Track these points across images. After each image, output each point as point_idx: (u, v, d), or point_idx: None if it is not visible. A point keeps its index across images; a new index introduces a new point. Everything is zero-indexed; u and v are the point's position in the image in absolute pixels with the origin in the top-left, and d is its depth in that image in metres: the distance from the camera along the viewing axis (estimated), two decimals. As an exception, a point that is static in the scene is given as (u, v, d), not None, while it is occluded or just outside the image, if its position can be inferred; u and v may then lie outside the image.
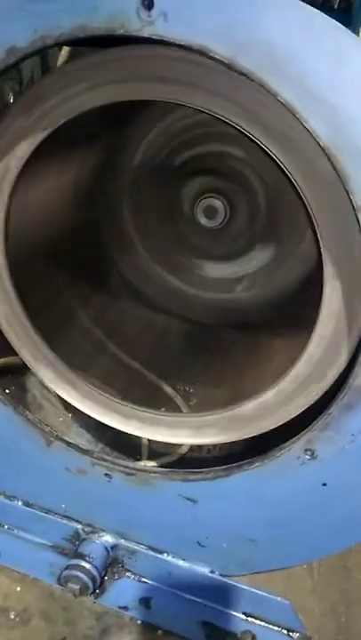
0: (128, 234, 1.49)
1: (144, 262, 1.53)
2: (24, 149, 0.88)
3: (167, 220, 1.44)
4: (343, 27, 0.65)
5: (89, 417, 1.55)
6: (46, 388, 1.65)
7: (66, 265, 1.30)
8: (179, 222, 1.43)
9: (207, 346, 1.50)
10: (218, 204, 1.35)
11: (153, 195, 1.42)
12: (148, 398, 1.27)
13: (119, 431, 1.51)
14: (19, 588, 1.23)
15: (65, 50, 1.31)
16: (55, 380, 1.13)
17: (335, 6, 2.37)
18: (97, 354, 1.36)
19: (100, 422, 1.41)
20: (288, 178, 0.78)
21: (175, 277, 1.54)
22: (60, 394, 1.14)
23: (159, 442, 1.51)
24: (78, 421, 1.58)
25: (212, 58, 0.68)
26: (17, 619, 1.17)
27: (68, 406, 1.60)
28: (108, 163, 1.36)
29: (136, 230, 1.49)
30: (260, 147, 0.78)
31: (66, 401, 1.57)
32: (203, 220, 1.38)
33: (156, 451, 1.52)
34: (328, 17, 0.65)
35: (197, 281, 1.50)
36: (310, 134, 0.69)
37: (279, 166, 0.78)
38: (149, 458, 1.45)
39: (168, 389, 1.46)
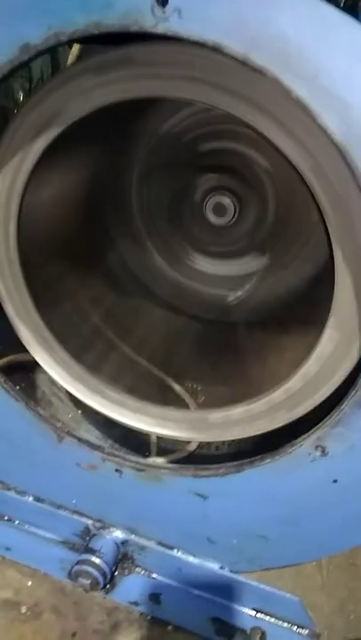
0: (137, 231, 1.50)
1: (153, 260, 1.54)
2: (39, 145, 0.88)
3: (176, 217, 1.44)
4: (357, 22, 0.65)
5: (98, 413, 1.57)
6: (55, 384, 1.67)
7: (75, 262, 1.31)
8: (187, 219, 1.44)
9: (216, 343, 1.50)
10: (227, 201, 1.35)
11: (162, 191, 1.42)
12: (157, 396, 1.28)
13: (128, 428, 1.52)
14: (30, 583, 1.23)
15: (75, 48, 1.31)
16: (65, 377, 1.13)
17: (341, 4, 2.36)
18: (105, 351, 1.36)
19: (109, 419, 1.42)
20: (298, 174, 0.78)
21: (183, 275, 1.54)
22: (69, 390, 1.14)
23: (167, 439, 1.54)
24: (88, 418, 1.59)
25: (226, 54, 0.68)
26: (28, 613, 1.18)
27: (77, 403, 1.62)
28: (118, 160, 1.36)
29: (145, 227, 1.49)
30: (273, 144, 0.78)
31: (75, 398, 1.59)
32: (212, 218, 1.38)
33: (165, 448, 1.53)
34: (341, 12, 0.65)
35: (206, 279, 1.50)
36: (323, 131, 0.69)
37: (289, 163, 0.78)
38: (158, 455, 1.45)
39: (176, 387, 1.46)
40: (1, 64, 0.77)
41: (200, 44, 0.69)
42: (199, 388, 1.49)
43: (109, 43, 0.81)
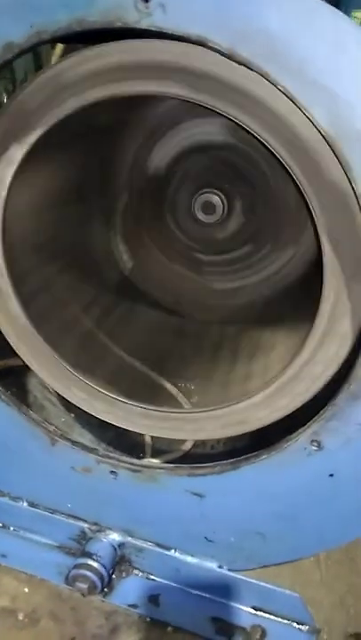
0: (125, 231, 1.49)
1: (143, 260, 1.53)
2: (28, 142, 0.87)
3: (164, 216, 1.44)
4: (341, 12, 0.65)
5: (91, 417, 1.55)
6: (47, 389, 1.66)
7: (64, 263, 1.30)
8: (177, 218, 1.43)
9: (208, 342, 1.50)
10: (216, 199, 1.35)
11: (150, 190, 1.42)
12: (151, 396, 1.27)
13: (121, 430, 1.51)
14: (26, 590, 1.22)
15: (59, 48, 1.30)
16: (57, 381, 1.12)
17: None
18: (97, 353, 1.35)
19: (102, 422, 1.41)
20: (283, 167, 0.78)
21: (175, 274, 1.54)
22: (62, 394, 1.13)
23: (162, 439, 1.53)
24: (80, 422, 1.58)
25: (211, 48, 0.68)
26: (26, 620, 1.17)
27: (69, 407, 1.61)
28: (105, 159, 1.36)
29: (133, 227, 1.49)
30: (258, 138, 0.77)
31: (67, 401, 1.57)
32: (200, 216, 1.38)
33: (160, 448, 1.52)
34: (325, 3, 0.65)
35: (196, 277, 1.50)
36: (311, 122, 0.69)
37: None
38: (153, 456, 1.45)
39: (169, 387, 1.46)
40: (-16, 63, 0.76)
41: (184, 39, 0.69)
42: (192, 388, 1.49)
43: (95, 40, 0.80)
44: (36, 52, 1.46)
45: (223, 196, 1.35)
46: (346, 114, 0.68)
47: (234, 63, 0.69)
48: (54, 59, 1.33)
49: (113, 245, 1.50)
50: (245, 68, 0.69)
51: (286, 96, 0.69)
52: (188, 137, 1.35)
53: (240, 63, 0.68)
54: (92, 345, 1.33)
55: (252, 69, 0.68)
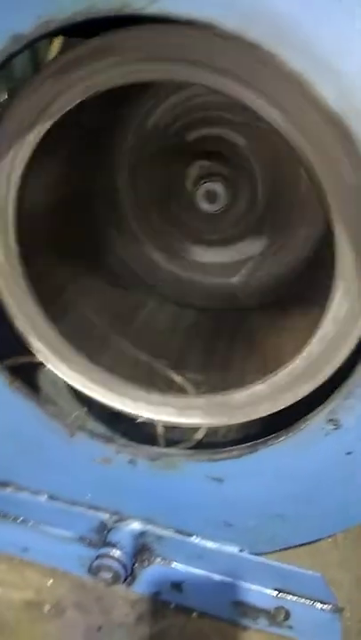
0: (128, 222, 1.50)
1: (145, 249, 1.54)
2: (37, 131, 0.87)
3: (167, 205, 1.45)
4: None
5: (103, 410, 1.56)
6: (58, 385, 1.66)
7: (70, 254, 1.30)
8: (179, 207, 1.44)
9: (214, 331, 1.50)
10: (219, 187, 1.36)
11: (152, 179, 1.42)
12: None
13: (134, 422, 1.52)
14: (50, 582, 1.23)
15: (56, 43, 1.31)
16: (68, 372, 1.12)
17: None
18: (104, 345, 1.36)
19: (115, 415, 1.41)
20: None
21: (176, 264, 1.55)
22: (73, 384, 1.13)
23: (174, 430, 1.54)
24: (92, 415, 1.59)
25: (219, 32, 0.68)
26: (52, 611, 1.17)
27: (82, 401, 1.62)
28: (107, 148, 1.36)
29: (135, 218, 1.50)
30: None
31: (79, 396, 1.58)
32: (204, 205, 1.38)
33: (172, 439, 1.53)
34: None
35: (199, 266, 1.51)
36: (319, 102, 0.70)
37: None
38: (166, 446, 1.46)
39: (177, 378, 1.47)
40: (-8, 56, 0.77)
41: (192, 24, 0.70)
42: (200, 379, 1.49)
43: (100, 31, 0.80)
44: (34, 49, 1.46)
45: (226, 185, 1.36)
46: (356, 92, 0.69)
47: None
48: (52, 54, 1.33)
49: (117, 236, 1.51)
50: (255, 50, 0.69)
51: (295, 76, 0.69)
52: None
53: (250, 46, 0.69)
54: (97, 336, 1.34)
55: (261, 51, 0.69)
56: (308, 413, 0.95)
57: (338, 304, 0.85)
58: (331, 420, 0.93)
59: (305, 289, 1.28)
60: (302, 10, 0.67)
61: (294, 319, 1.23)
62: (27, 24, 0.74)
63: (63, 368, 1.11)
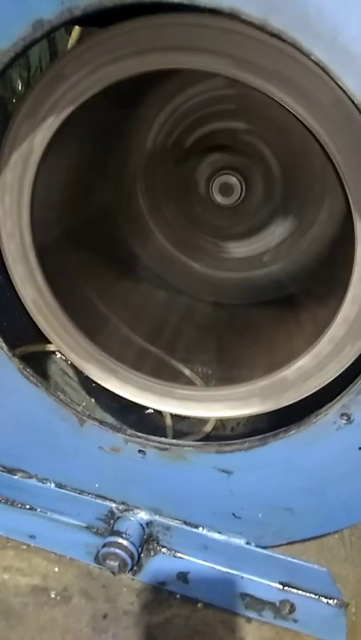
0: (143, 215, 1.50)
1: (160, 244, 1.54)
2: (51, 124, 0.87)
3: (182, 198, 1.44)
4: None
5: (112, 401, 1.56)
6: (67, 374, 1.67)
7: (85, 249, 1.30)
8: (194, 201, 1.44)
9: (226, 326, 1.50)
10: (233, 180, 1.35)
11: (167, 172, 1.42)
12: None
13: (143, 414, 1.52)
14: (57, 569, 1.24)
15: (75, 32, 1.30)
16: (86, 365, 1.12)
17: None
18: (114, 338, 1.36)
19: (124, 405, 1.42)
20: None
21: (192, 258, 1.54)
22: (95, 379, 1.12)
23: (182, 422, 1.54)
24: (102, 405, 1.60)
25: (243, 20, 0.68)
26: (58, 597, 1.18)
27: (90, 391, 1.62)
28: (122, 141, 1.36)
29: (150, 211, 1.49)
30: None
31: (88, 386, 1.58)
32: (219, 198, 1.38)
33: (180, 431, 1.54)
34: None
35: (215, 260, 1.51)
36: (344, 93, 0.69)
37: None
38: (174, 438, 1.46)
39: (187, 372, 1.47)
40: (14, 41, 0.76)
41: (216, 12, 0.69)
42: (210, 372, 1.50)
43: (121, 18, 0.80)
44: (51, 39, 1.46)
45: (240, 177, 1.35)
46: (379, 83, 0.68)
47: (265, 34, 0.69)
48: (71, 42, 1.33)
49: (129, 228, 1.50)
50: (278, 39, 0.69)
51: (319, 66, 0.69)
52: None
53: (272, 34, 0.69)
54: (108, 329, 1.34)
55: (284, 40, 0.69)
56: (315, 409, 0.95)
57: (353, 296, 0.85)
58: (343, 415, 0.93)
59: (321, 282, 1.28)
60: (328, -1, 0.66)
61: (310, 312, 1.22)
62: (49, 10, 0.74)
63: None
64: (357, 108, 0.70)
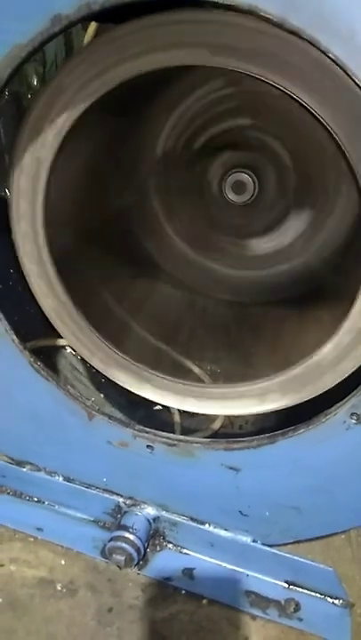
0: (156, 213, 1.50)
1: (172, 242, 1.54)
2: (64, 120, 0.88)
3: (195, 197, 1.44)
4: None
5: (120, 396, 1.57)
6: (77, 369, 1.68)
7: (97, 247, 1.31)
8: (207, 199, 1.44)
9: (234, 323, 1.50)
10: (246, 178, 1.35)
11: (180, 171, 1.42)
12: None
13: (152, 409, 1.53)
14: (63, 562, 1.25)
15: (91, 28, 1.30)
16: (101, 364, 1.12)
17: None
18: (124, 335, 1.36)
19: (132, 401, 1.42)
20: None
21: (203, 255, 1.54)
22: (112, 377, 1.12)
23: (190, 419, 1.54)
24: (110, 401, 1.60)
25: (262, 17, 0.68)
26: (64, 590, 1.19)
27: (100, 386, 1.63)
28: (135, 141, 1.36)
29: (164, 209, 1.50)
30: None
31: (98, 381, 1.59)
32: (231, 196, 1.38)
33: (188, 427, 1.54)
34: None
35: (227, 259, 1.51)
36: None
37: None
38: (183, 434, 1.46)
39: (195, 369, 1.47)
40: (32, 36, 0.77)
41: (235, 9, 0.69)
42: (218, 370, 1.50)
43: (137, 15, 0.80)
44: (67, 34, 1.46)
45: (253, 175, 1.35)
46: (396, 81, 0.68)
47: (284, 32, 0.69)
48: (87, 38, 1.33)
49: (142, 226, 1.51)
50: (296, 37, 0.69)
51: (336, 64, 0.69)
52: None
53: (291, 32, 0.69)
54: (124, 328, 1.34)
55: (302, 38, 0.68)
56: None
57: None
58: (353, 415, 0.92)
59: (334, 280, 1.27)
60: (347, -3, 0.66)
61: (319, 311, 1.22)
62: (68, 5, 0.74)
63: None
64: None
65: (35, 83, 1.53)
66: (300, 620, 1.15)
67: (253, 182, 1.34)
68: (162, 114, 1.37)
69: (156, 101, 1.34)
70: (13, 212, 0.94)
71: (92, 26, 1.28)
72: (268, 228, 1.41)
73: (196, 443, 1.08)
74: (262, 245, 1.45)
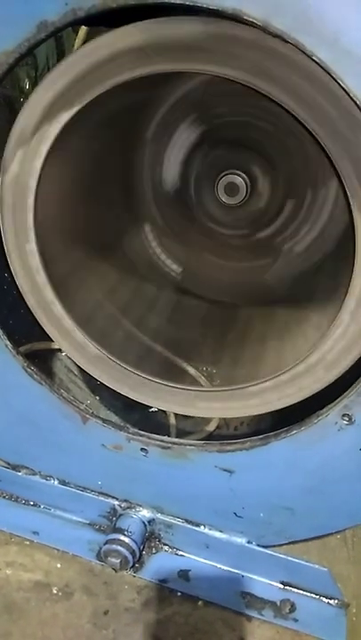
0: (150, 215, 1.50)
1: (164, 242, 1.54)
2: (63, 118, 0.87)
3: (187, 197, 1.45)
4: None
5: (116, 399, 1.57)
6: (72, 372, 1.68)
7: (87, 247, 1.31)
8: (200, 200, 1.44)
9: (229, 324, 1.50)
10: (239, 180, 1.36)
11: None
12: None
13: (146, 412, 1.53)
14: (59, 565, 1.25)
15: (82, 32, 1.31)
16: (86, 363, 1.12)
17: None
18: (117, 336, 1.36)
19: (127, 404, 1.41)
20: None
21: (197, 257, 1.55)
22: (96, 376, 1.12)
23: (185, 421, 1.54)
24: (105, 403, 1.61)
25: (245, 21, 0.68)
26: (60, 593, 1.19)
27: (95, 389, 1.63)
28: (126, 140, 1.36)
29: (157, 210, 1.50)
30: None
31: (92, 384, 1.59)
32: (224, 198, 1.38)
33: (184, 430, 1.54)
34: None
35: (220, 259, 1.51)
36: (346, 93, 0.69)
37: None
38: (177, 437, 1.46)
39: (191, 371, 1.47)
40: (19, 42, 0.77)
41: (219, 13, 0.70)
42: (214, 371, 1.50)
43: (125, 21, 0.80)
44: (58, 38, 1.47)
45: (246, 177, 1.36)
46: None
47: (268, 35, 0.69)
48: (77, 43, 1.33)
49: (136, 227, 1.51)
50: (280, 40, 0.69)
51: (321, 67, 0.69)
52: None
53: (275, 35, 0.69)
54: (118, 329, 1.34)
55: (287, 41, 0.69)
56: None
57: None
58: (345, 416, 0.93)
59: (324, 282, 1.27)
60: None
61: (310, 313, 1.22)
62: (54, 11, 0.75)
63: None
64: (359, 107, 0.69)
65: (27, 86, 1.53)
66: (296, 620, 1.16)
67: (246, 184, 1.35)
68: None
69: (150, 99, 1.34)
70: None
71: (83, 29, 1.29)
72: (259, 229, 1.42)
73: (190, 445, 1.09)
74: (255, 246, 1.45)
